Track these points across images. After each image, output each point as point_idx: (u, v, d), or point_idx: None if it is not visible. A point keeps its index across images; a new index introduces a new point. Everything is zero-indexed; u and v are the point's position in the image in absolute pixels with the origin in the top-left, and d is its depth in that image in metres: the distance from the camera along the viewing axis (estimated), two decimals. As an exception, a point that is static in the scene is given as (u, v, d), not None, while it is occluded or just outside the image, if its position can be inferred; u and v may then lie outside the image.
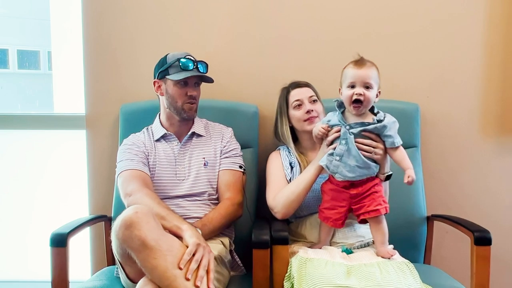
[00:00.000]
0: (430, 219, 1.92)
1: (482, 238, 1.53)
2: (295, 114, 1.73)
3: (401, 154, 1.49)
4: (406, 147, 1.91)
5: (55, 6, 2.59)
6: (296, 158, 1.74)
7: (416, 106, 1.97)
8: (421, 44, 2.03)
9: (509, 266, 2.09)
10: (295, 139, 1.80)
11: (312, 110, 1.71)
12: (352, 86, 1.48)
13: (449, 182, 2.07)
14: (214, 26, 2.05)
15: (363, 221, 1.52)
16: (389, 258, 1.46)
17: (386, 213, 1.50)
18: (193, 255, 1.34)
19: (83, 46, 2.05)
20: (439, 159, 2.06)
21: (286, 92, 1.78)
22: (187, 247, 1.37)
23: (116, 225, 1.34)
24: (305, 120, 1.71)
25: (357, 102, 1.47)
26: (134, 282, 1.44)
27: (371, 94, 1.47)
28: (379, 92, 1.52)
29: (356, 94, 1.46)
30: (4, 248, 2.44)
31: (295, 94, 1.74)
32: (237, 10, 2.04)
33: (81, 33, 2.05)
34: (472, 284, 1.54)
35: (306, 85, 1.77)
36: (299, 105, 1.73)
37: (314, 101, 1.74)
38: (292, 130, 1.78)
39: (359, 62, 1.49)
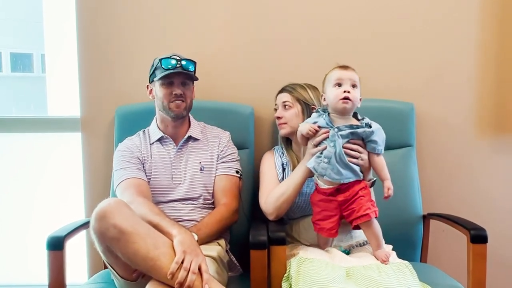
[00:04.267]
0: (426, 217, 1.93)
1: (478, 236, 1.54)
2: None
3: (382, 163, 1.49)
4: (401, 146, 1.94)
5: (49, 8, 2.58)
6: (288, 159, 1.74)
7: (411, 105, 1.98)
8: (416, 43, 2.04)
9: (504, 265, 2.10)
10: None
11: (281, 117, 1.73)
12: (339, 85, 1.48)
13: (445, 181, 2.08)
14: (209, 27, 2.05)
15: (357, 227, 1.51)
16: (386, 263, 1.44)
17: (376, 217, 1.49)
18: (182, 262, 1.33)
19: (77, 48, 2.04)
20: (434, 158, 2.07)
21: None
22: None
23: (91, 220, 1.35)
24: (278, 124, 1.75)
25: (345, 99, 1.46)
26: (127, 279, 1.44)
27: (357, 94, 1.48)
28: (360, 98, 1.52)
29: (345, 91, 1.46)
30: (2, 252, 2.43)
31: (277, 99, 1.78)
32: (233, 11, 2.04)
33: (75, 35, 2.04)
34: (469, 282, 1.55)
35: (285, 89, 1.76)
36: (275, 110, 1.77)
37: (287, 106, 1.73)
38: None
39: (343, 66, 1.51)
